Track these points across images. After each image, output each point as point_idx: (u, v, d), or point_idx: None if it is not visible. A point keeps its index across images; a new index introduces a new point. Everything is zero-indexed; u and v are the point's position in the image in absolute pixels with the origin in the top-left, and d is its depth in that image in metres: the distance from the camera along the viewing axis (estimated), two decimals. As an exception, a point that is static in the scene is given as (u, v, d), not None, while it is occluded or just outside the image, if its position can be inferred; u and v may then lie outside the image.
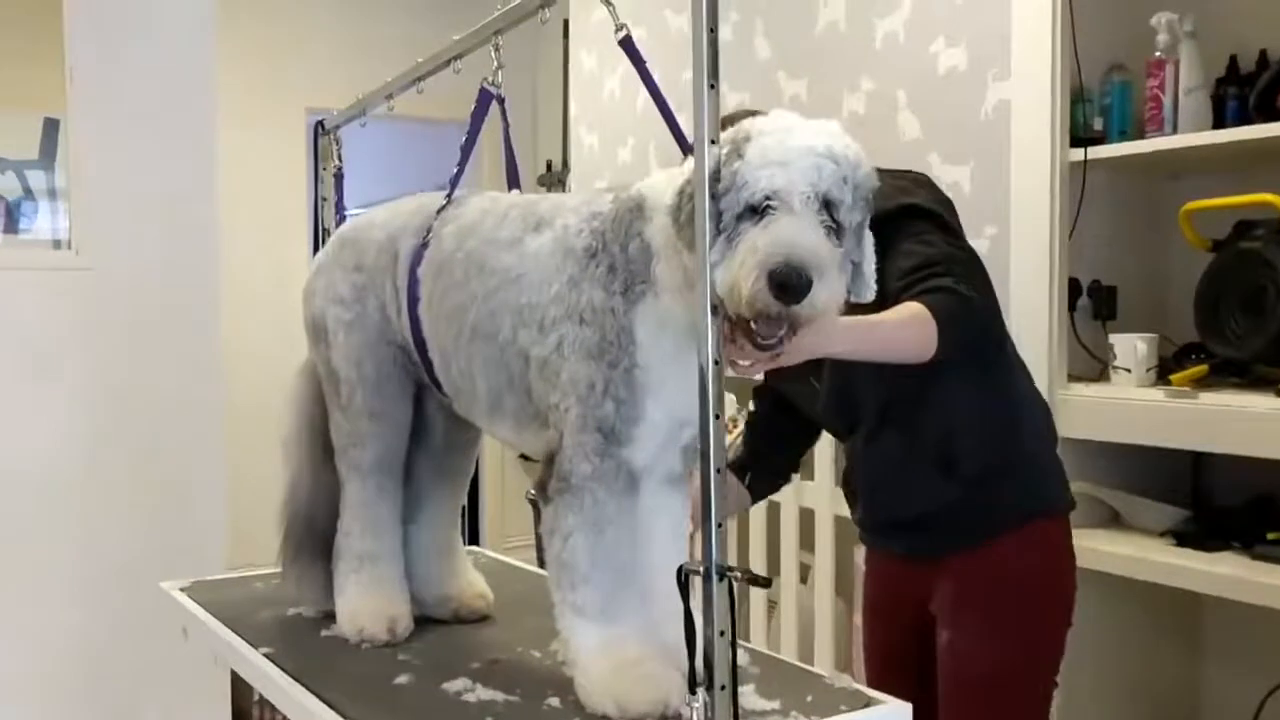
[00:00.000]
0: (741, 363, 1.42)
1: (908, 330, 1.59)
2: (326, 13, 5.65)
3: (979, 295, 1.68)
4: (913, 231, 1.73)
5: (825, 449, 3.08)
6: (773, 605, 3.47)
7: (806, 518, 3.22)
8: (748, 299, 1.29)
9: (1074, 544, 1.95)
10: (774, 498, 3.28)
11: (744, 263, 1.29)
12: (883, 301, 1.59)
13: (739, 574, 1.33)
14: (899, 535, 1.98)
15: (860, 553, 3.17)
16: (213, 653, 2.01)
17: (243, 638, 1.91)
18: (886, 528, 1.99)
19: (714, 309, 1.31)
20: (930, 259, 1.69)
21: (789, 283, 1.27)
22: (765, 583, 1.38)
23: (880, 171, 1.79)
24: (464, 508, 2.08)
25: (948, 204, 1.86)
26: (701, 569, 1.32)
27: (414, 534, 1.97)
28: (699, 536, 1.35)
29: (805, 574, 3.38)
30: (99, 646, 3.39)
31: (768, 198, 1.33)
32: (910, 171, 1.91)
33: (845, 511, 3.10)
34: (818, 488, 3.13)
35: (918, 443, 1.85)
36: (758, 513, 3.33)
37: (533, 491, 1.61)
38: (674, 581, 1.37)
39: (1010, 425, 1.86)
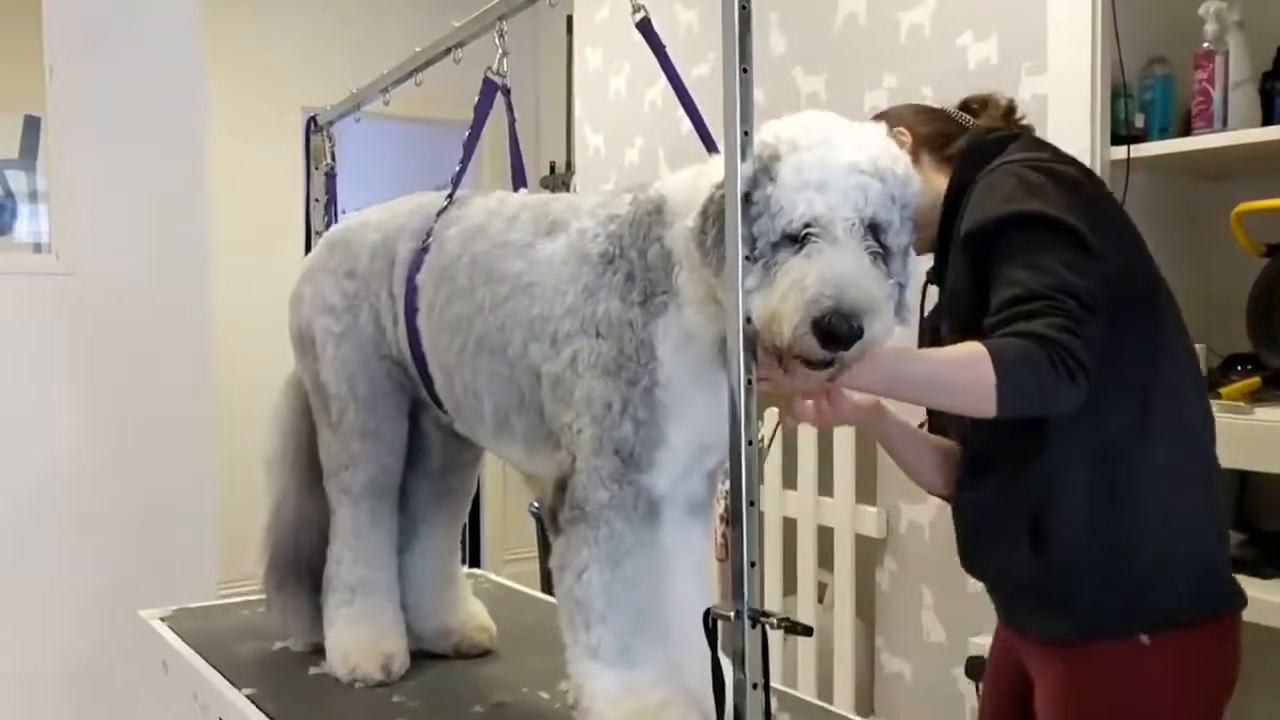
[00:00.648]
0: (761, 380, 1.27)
1: (957, 377, 1.30)
2: (325, 11, 5.53)
3: (1087, 350, 1.29)
4: (1027, 250, 1.35)
5: (845, 463, 2.93)
6: (788, 627, 3.32)
7: (825, 536, 3.08)
8: (789, 341, 1.17)
9: None
10: (790, 514, 3.16)
11: (787, 298, 1.17)
12: (977, 336, 1.35)
13: (774, 620, 1.19)
14: (988, 587, 1.68)
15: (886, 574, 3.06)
16: (192, 691, 1.87)
17: (224, 675, 1.81)
18: (977, 575, 1.69)
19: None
20: (1035, 291, 1.31)
21: (837, 332, 1.15)
22: (806, 631, 1.23)
23: (1011, 162, 1.47)
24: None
25: (1094, 209, 1.41)
26: (732, 613, 1.21)
27: (410, 562, 1.87)
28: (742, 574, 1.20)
29: (823, 593, 3.23)
30: (85, 666, 3.25)
31: (807, 225, 1.20)
32: (1057, 159, 1.48)
33: (866, 530, 3.01)
34: (836, 504, 2.99)
35: (1012, 496, 1.48)
36: (773, 529, 3.18)
37: (536, 503, 1.47)
38: (698, 621, 1.27)
39: (1123, 510, 1.43)
